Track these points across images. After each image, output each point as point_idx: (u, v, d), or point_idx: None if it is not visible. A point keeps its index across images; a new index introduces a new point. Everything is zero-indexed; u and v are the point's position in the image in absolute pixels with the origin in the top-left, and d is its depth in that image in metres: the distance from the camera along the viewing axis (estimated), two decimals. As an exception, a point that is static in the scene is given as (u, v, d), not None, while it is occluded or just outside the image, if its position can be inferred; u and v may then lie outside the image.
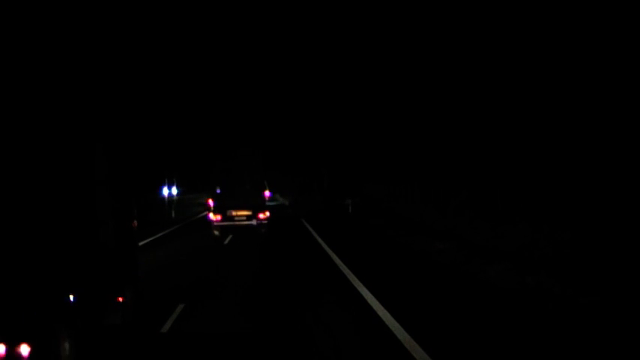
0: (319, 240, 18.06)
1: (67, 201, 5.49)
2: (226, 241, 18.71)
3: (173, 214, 31.51)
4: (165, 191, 36.41)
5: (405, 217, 23.22)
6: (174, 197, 38.07)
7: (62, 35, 6.05)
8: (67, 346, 5.29)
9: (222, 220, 21.72)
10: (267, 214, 22.45)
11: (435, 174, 21.86)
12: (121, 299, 7.12)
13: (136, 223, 8.16)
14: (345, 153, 38.41)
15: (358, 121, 33.48)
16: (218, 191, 21.69)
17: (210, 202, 22.20)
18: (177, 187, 39.76)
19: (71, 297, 5.42)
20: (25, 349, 4.66)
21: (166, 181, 36.63)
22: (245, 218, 21.82)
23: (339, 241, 17.64)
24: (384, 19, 24.12)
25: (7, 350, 4.63)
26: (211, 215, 22.12)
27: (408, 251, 14.95)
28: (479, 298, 8.93)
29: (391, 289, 9.84)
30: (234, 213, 21.72)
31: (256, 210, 21.77)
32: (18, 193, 4.87)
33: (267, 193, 24.60)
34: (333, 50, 32.46)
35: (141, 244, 14.46)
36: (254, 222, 21.86)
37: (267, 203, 23.84)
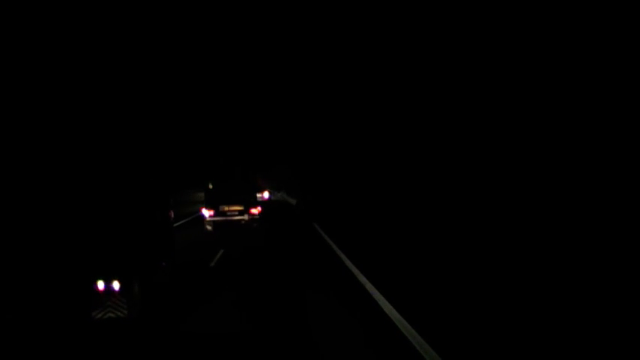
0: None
1: (139, 199, 7.58)
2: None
3: None
4: None
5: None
6: None
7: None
8: (137, 288, 7.16)
9: (214, 215, 22.74)
10: (259, 209, 23.49)
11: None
12: (164, 264, 8.97)
13: (172, 213, 10.07)
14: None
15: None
16: (210, 187, 22.64)
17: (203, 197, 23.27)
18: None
19: (139, 255, 7.29)
20: (116, 284, 6.52)
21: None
22: (237, 213, 22.67)
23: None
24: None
25: (105, 284, 6.49)
26: (204, 210, 23.23)
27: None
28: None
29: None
30: (226, 208, 22.58)
31: (248, 205, 22.78)
32: (120, 199, 7.30)
33: (266, 194, 25.87)
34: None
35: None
36: (246, 217, 22.86)
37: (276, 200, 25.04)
